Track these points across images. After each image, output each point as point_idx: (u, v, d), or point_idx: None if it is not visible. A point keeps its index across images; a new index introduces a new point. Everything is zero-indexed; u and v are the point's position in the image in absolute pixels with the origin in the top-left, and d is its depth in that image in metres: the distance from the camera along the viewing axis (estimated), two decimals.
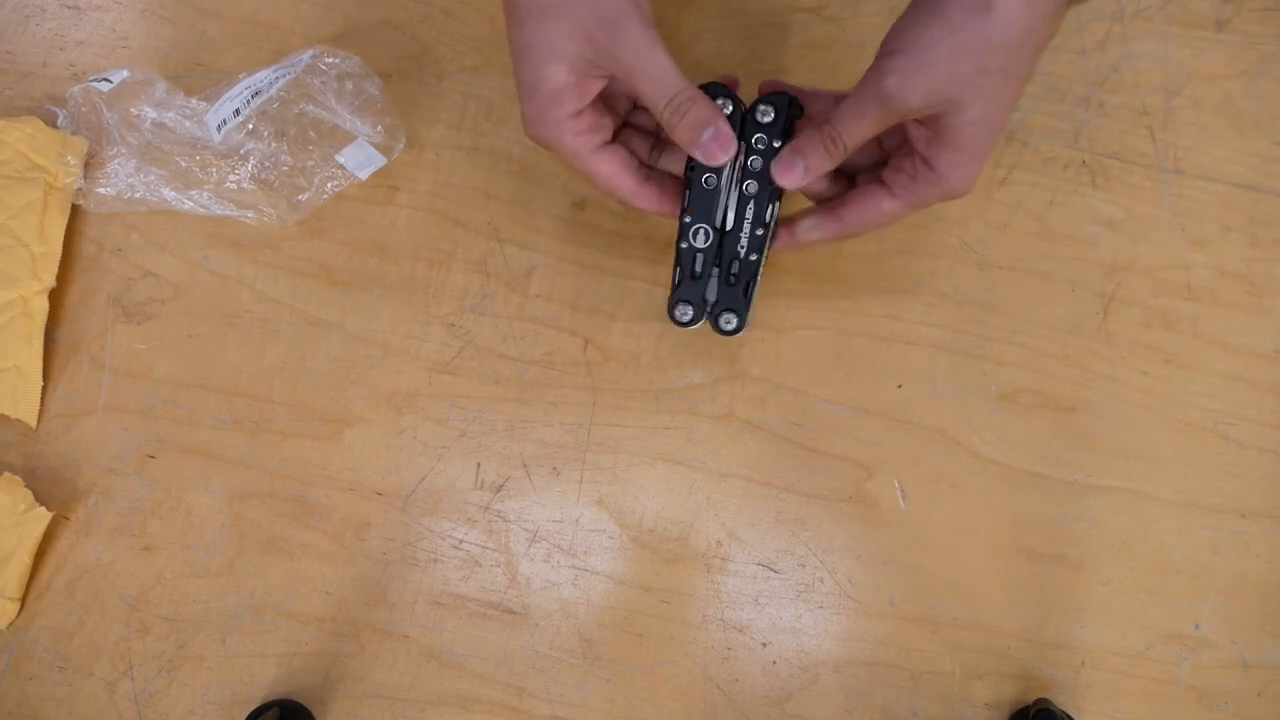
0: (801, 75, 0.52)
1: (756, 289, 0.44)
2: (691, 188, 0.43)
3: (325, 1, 0.55)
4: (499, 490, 0.50)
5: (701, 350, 0.50)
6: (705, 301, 0.44)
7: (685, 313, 0.44)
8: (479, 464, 0.50)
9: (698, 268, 0.44)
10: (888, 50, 0.38)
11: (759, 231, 0.43)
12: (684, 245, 0.43)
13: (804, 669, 0.48)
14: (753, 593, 0.48)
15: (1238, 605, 0.47)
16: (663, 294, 0.51)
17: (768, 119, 0.42)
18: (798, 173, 0.41)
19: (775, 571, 0.48)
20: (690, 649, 0.48)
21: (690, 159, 0.42)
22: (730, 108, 0.42)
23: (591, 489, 0.49)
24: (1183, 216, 0.50)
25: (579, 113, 0.40)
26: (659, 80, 0.39)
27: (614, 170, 0.42)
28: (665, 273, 0.51)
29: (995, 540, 0.48)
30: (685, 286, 0.44)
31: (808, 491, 0.49)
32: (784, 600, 0.48)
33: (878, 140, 0.42)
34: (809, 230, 0.43)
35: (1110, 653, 0.47)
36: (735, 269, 0.43)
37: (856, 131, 0.39)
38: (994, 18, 0.35)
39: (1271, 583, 0.47)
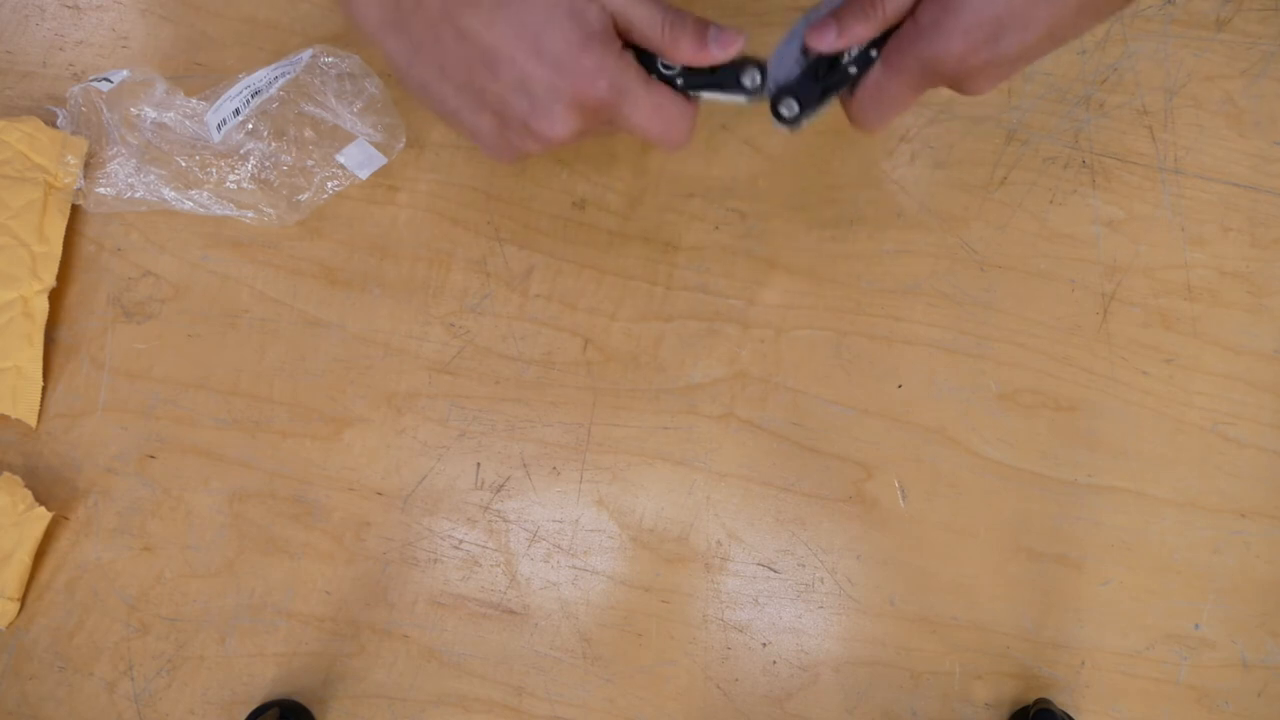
0: None
1: (831, 101, 0.41)
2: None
3: (325, 1, 0.55)
4: (499, 490, 0.50)
5: (702, 350, 0.50)
6: (771, 83, 0.40)
7: (792, 108, 0.40)
8: (479, 464, 0.50)
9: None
10: None
11: (871, 52, 0.39)
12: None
13: (804, 669, 0.48)
14: (753, 593, 0.48)
15: (1238, 605, 0.47)
16: (663, 293, 0.51)
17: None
18: (830, 35, 0.38)
19: (775, 571, 0.48)
20: (690, 649, 0.48)
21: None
22: (759, 79, 0.39)
23: (591, 489, 0.49)
24: (1183, 216, 0.50)
25: (624, 48, 0.38)
26: (645, 9, 0.37)
27: (669, 95, 0.39)
28: (665, 273, 0.51)
29: (995, 540, 0.48)
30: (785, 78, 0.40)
31: (808, 491, 0.49)
32: (784, 600, 0.48)
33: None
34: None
35: (1110, 653, 0.47)
36: (828, 72, 0.40)
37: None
38: None
39: (1271, 583, 0.47)
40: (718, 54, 0.38)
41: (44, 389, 0.51)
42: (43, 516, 0.49)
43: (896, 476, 0.49)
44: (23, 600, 0.50)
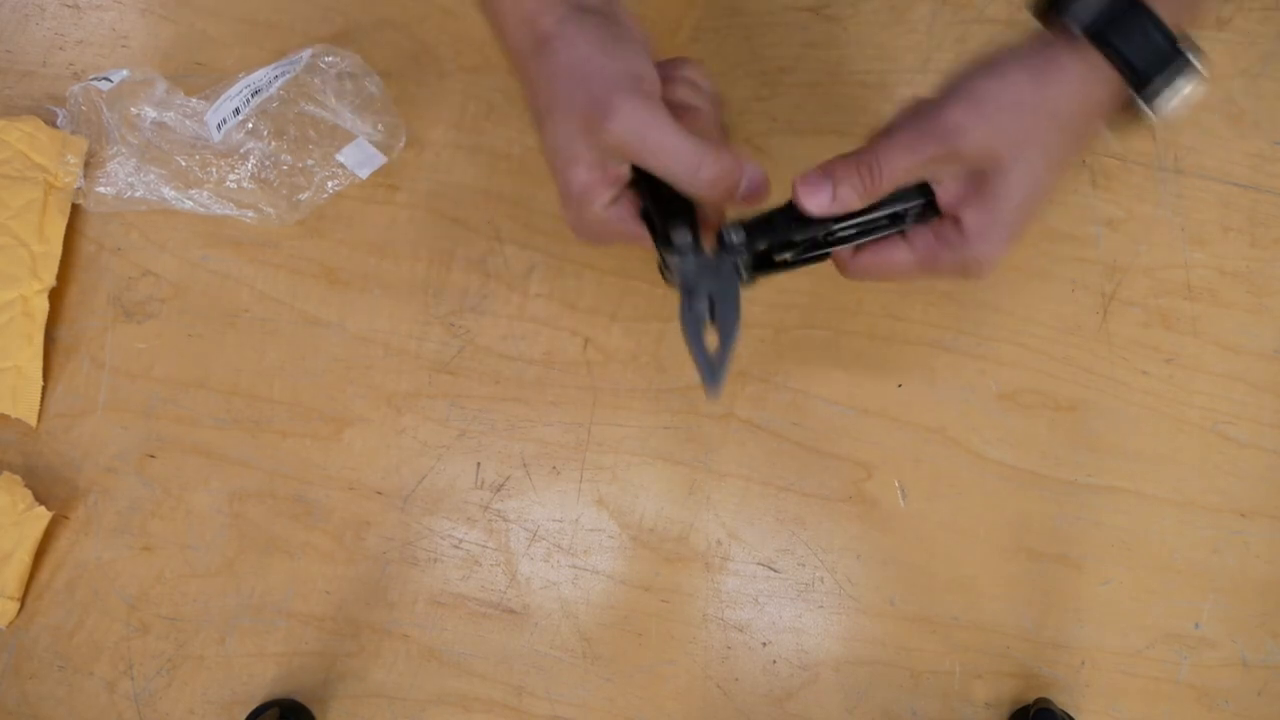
0: (802, 74, 0.52)
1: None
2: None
3: (325, 1, 0.55)
4: (499, 490, 0.50)
5: None
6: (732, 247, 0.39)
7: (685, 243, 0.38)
8: (479, 463, 0.50)
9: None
10: (944, 94, 0.36)
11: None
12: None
13: (804, 668, 0.48)
14: (753, 592, 0.48)
15: (1238, 605, 0.47)
16: (663, 293, 0.51)
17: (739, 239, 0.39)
18: (824, 197, 0.36)
19: (775, 571, 0.48)
20: (690, 648, 0.48)
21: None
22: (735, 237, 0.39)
23: (591, 488, 0.49)
24: (1183, 216, 0.50)
25: (614, 201, 0.38)
26: (668, 156, 0.36)
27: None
28: None
29: (995, 540, 0.48)
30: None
31: (808, 491, 0.49)
32: (784, 600, 0.48)
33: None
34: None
35: (1110, 652, 0.47)
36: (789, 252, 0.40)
37: (900, 164, 0.36)
38: (1051, 87, 0.35)
39: (1271, 582, 0.47)
40: (761, 195, 0.37)
41: (44, 388, 0.51)
42: (43, 516, 0.49)
43: (896, 476, 0.49)
44: (23, 600, 0.50)
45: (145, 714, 0.49)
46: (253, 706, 0.47)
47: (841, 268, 0.41)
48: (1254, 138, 0.50)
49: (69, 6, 0.57)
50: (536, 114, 0.38)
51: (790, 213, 0.38)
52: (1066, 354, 0.49)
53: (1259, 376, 0.48)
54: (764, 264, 0.41)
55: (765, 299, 0.50)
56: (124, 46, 0.56)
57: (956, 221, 0.37)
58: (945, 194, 0.37)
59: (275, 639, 0.49)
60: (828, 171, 0.37)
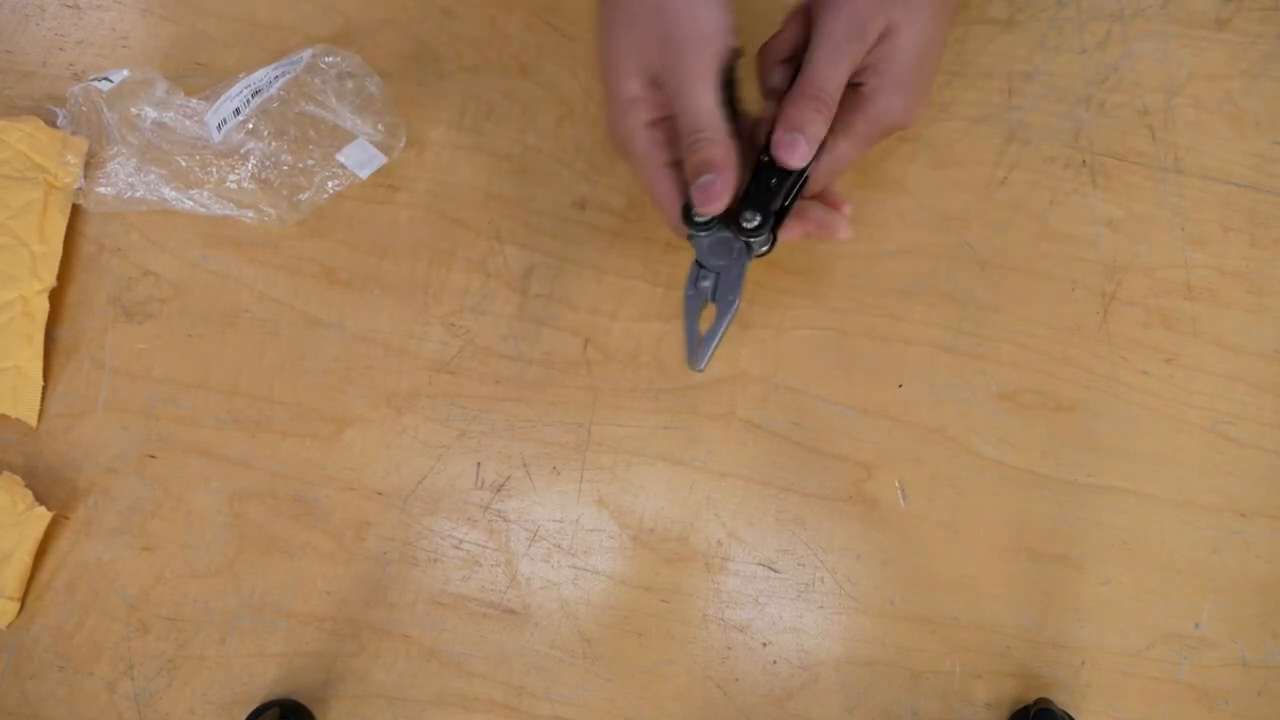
0: None
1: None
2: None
3: (325, 1, 0.55)
4: (499, 490, 0.50)
5: None
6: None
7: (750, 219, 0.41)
8: (479, 463, 0.50)
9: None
10: None
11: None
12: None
13: (804, 668, 0.48)
14: (753, 592, 0.48)
15: (1238, 605, 0.47)
16: (663, 293, 0.51)
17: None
18: (803, 148, 0.39)
19: (775, 571, 0.48)
20: (690, 648, 0.48)
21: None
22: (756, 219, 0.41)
23: (591, 488, 0.49)
24: (1183, 216, 0.50)
25: (654, 123, 0.40)
26: (691, 111, 0.39)
27: (669, 188, 0.41)
28: (665, 273, 0.51)
29: (995, 540, 0.48)
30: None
31: (808, 491, 0.49)
32: (784, 600, 0.48)
33: None
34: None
35: (1110, 652, 0.47)
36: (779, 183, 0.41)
37: (837, 77, 0.39)
38: None
39: (1271, 582, 0.47)
40: (704, 203, 0.39)
41: (44, 389, 0.51)
42: (43, 516, 0.49)
43: (897, 476, 0.49)
44: (23, 600, 0.50)
45: (145, 714, 0.49)
46: (253, 706, 0.47)
47: (816, 200, 0.44)
48: (1254, 138, 0.50)
49: (69, 7, 0.57)
50: (602, 19, 0.40)
51: (774, 170, 0.41)
52: (1066, 354, 0.49)
53: (1259, 376, 0.48)
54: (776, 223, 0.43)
55: (765, 299, 0.50)
56: (124, 46, 0.56)
57: (859, 91, 0.40)
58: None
59: (275, 639, 0.49)
60: (791, 123, 0.39)
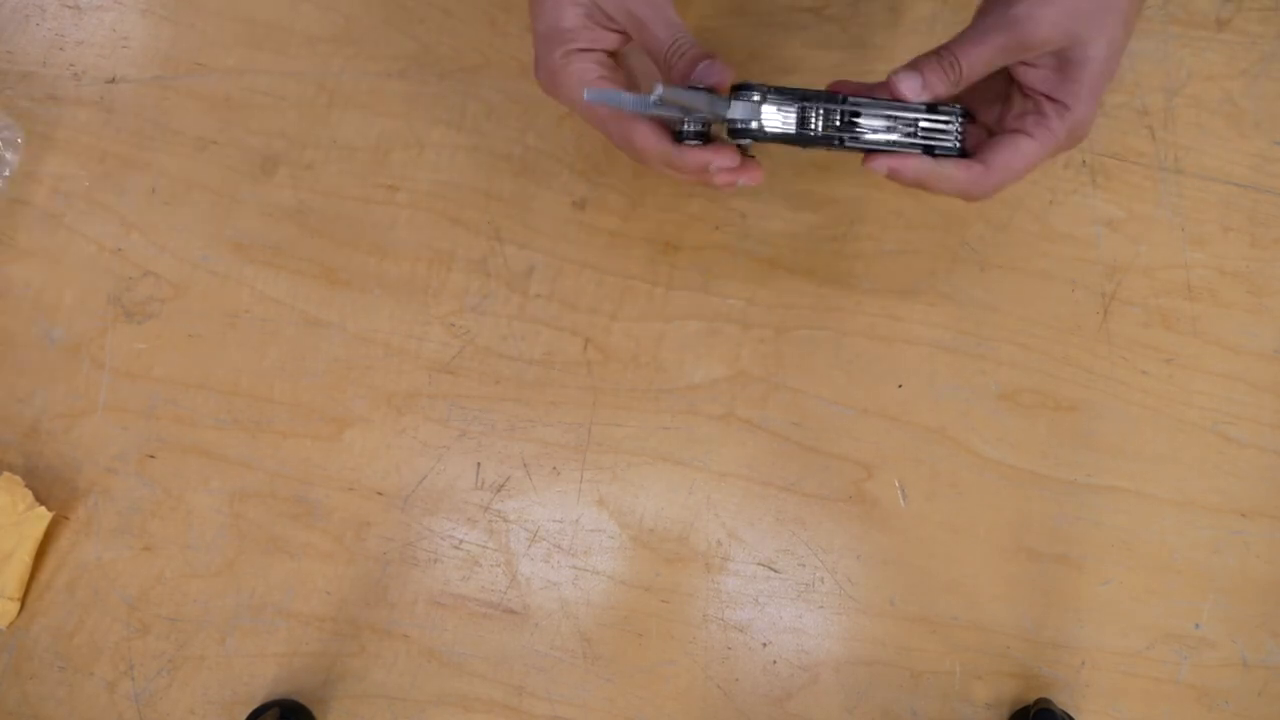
0: (803, 76, 0.52)
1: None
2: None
3: (325, 1, 0.55)
4: (499, 490, 0.50)
5: (702, 350, 0.50)
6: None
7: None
8: (479, 464, 0.50)
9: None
10: None
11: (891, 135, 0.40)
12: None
13: (804, 668, 0.48)
14: (753, 592, 0.48)
15: (1238, 605, 0.47)
16: (663, 293, 0.51)
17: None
18: (916, 83, 0.39)
19: (775, 571, 0.48)
20: (690, 649, 0.48)
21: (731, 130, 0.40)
22: (758, 96, 0.39)
23: (592, 489, 0.49)
24: (1183, 216, 0.50)
25: (588, 50, 0.40)
26: (664, 26, 0.39)
27: (637, 119, 0.40)
28: (665, 273, 0.51)
29: (995, 540, 0.48)
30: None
31: (808, 491, 0.49)
32: (784, 600, 0.48)
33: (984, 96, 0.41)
34: (949, 172, 0.41)
35: (1110, 652, 0.47)
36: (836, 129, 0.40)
37: (976, 58, 0.39)
38: None
39: (1271, 582, 0.47)
40: (712, 76, 0.39)
41: (45, 389, 0.51)
42: (43, 516, 0.49)
43: (897, 476, 0.49)
44: (23, 600, 0.50)
45: (145, 714, 0.49)
46: (253, 707, 0.47)
47: (975, 185, 0.42)
48: (1254, 138, 0.50)
49: (69, 7, 0.57)
50: None
51: (822, 94, 0.40)
52: (1066, 354, 0.49)
53: (1259, 376, 0.48)
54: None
55: (765, 299, 0.50)
56: (124, 47, 0.56)
57: (1062, 101, 0.39)
58: (1034, 79, 0.39)
59: (275, 639, 0.49)
60: (916, 65, 0.40)
